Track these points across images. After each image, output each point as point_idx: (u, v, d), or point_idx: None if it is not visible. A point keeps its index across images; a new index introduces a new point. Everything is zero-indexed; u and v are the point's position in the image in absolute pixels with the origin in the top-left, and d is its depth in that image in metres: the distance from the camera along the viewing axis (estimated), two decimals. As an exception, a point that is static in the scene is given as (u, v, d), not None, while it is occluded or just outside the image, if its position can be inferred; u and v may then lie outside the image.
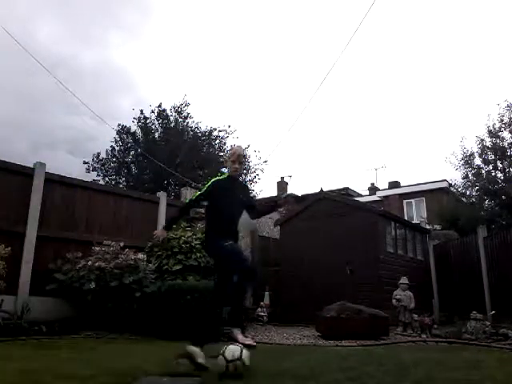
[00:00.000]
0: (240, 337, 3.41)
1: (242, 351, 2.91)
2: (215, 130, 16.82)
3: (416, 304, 7.51)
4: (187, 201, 4.05)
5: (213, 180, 3.85)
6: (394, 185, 22.39)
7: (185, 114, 16.68)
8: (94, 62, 27.09)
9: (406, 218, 17.90)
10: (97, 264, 5.45)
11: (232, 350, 2.89)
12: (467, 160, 13.38)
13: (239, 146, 4.43)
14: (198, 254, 6.22)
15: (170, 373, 3.03)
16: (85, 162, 16.20)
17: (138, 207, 7.37)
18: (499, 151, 12.72)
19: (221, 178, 3.88)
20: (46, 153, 27.39)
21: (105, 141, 15.80)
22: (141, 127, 16.33)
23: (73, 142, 29.46)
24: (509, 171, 12.86)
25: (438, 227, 13.77)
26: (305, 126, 49.23)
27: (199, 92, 35.21)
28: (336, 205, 9.32)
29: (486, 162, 13.08)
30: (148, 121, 16.38)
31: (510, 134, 12.77)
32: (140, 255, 5.87)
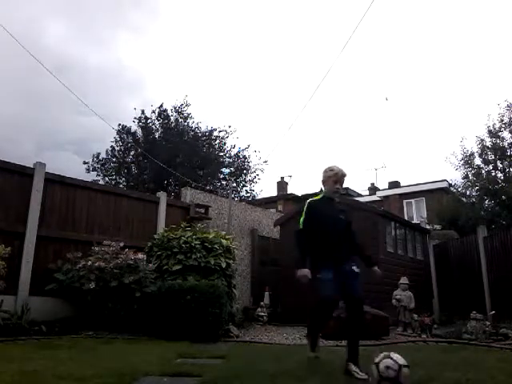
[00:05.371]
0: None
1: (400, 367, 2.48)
2: (215, 130, 16.83)
3: (416, 304, 7.50)
4: (300, 230, 3.69)
5: (308, 201, 3.72)
6: (394, 185, 22.42)
7: (185, 114, 16.69)
8: (102, 62, 27.20)
9: (406, 217, 17.91)
10: (97, 264, 5.45)
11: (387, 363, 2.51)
12: (467, 160, 13.36)
13: (338, 167, 3.77)
14: (198, 254, 6.21)
15: (169, 373, 3.04)
16: (85, 162, 16.18)
17: (138, 207, 7.37)
18: (499, 151, 12.70)
19: (316, 198, 3.77)
20: (53, 153, 27.52)
21: (110, 142, 15.96)
22: (141, 127, 16.32)
23: (79, 142, 29.61)
24: (509, 171, 12.84)
25: (437, 227, 13.76)
26: (305, 126, 49.23)
27: (200, 92, 35.23)
28: (336, 205, 9.29)
29: (485, 161, 13.06)
30: (148, 121, 16.38)
31: (510, 134, 12.74)
32: (140, 255, 5.86)
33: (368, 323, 6.05)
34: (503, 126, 12.79)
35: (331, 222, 3.59)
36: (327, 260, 3.47)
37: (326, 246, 3.53)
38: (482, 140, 13.07)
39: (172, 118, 16.59)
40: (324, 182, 3.77)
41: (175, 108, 16.59)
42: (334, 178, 3.66)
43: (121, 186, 15.91)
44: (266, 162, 17.32)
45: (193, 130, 16.67)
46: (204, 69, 40.74)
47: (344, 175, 3.72)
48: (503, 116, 12.79)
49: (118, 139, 16.36)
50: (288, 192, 23.31)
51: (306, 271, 3.45)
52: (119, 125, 16.16)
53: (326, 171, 3.74)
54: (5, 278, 4.94)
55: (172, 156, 15.07)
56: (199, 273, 6.12)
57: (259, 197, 18.25)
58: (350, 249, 3.63)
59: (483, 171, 13.06)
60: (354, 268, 3.47)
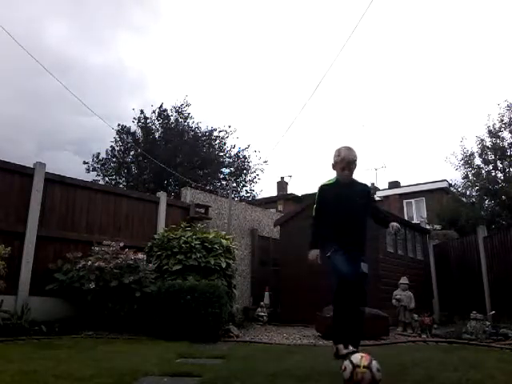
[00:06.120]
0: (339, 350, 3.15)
1: (371, 360, 2.45)
2: (215, 130, 16.85)
3: (416, 304, 7.50)
4: (314, 216, 3.55)
5: (320, 186, 3.54)
6: (394, 185, 22.45)
7: (185, 114, 16.69)
8: (103, 62, 27.24)
9: (406, 217, 17.93)
10: (97, 264, 5.45)
11: (358, 357, 2.51)
12: (467, 160, 13.37)
13: (348, 149, 3.43)
14: (198, 254, 6.21)
15: (169, 373, 3.04)
16: (85, 162, 16.20)
17: (138, 207, 7.37)
18: (499, 151, 12.70)
19: (328, 182, 3.56)
20: (53, 153, 27.49)
21: (110, 142, 16.13)
22: (141, 127, 16.33)
23: (79, 142, 29.66)
24: (509, 171, 12.85)
25: (437, 227, 13.77)
26: (304, 126, 49.23)
27: (200, 92, 35.23)
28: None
29: (485, 161, 13.07)
30: (148, 121, 16.39)
31: (510, 134, 12.75)
32: (140, 255, 5.86)
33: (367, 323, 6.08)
34: (503, 126, 12.80)
35: (344, 206, 3.38)
36: (337, 242, 3.31)
37: (337, 230, 3.35)
38: (482, 140, 13.08)
39: (172, 118, 16.60)
40: (333, 167, 3.53)
41: (175, 108, 16.61)
42: (340, 164, 3.41)
43: (121, 186, 15.92)
44: (266, 162, 17.36)
45: (193, 130, 16.68)
46: (204, 69, 40.77)
47: (351, 161, 3.41)
48: (503, 116, 12.80)
49: (118, 139, 16.38)
50: (288, 192, 23.32)
51: (314, 251, 3.39)
52: (119, 125, 16.19)
53: (334, 155, 3.48)
54: (5, 277, 4.93)
55: (172, 156, 15.08)
56: (199, 273, 6.13)
57: (259, 197, 18.28)
58: (365, 232, 3.47)
59: (483, 171, 13.07)
60: (364, 269, 3.32)
